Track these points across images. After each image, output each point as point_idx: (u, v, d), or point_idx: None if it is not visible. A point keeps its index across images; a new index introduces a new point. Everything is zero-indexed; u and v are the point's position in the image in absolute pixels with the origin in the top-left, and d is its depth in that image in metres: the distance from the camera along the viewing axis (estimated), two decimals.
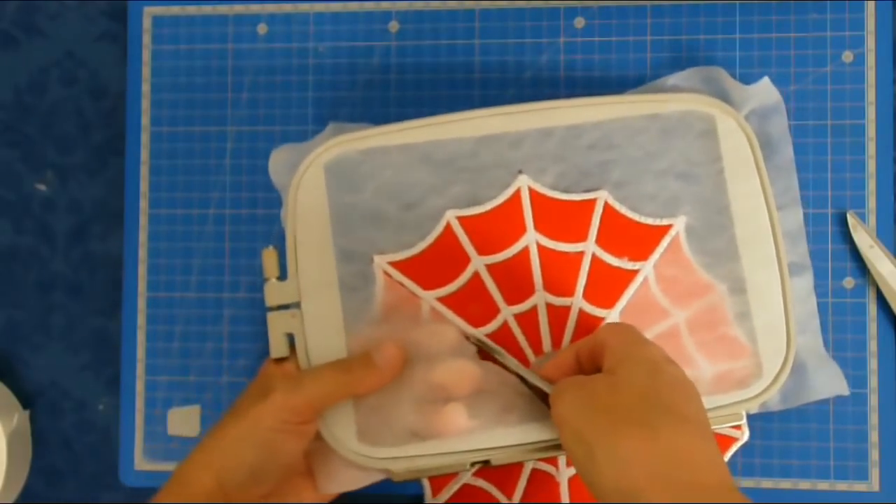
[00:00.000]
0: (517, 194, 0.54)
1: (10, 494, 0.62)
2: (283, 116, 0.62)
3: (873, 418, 0.57)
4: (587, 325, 0.54)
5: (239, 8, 0.62)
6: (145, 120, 0.62)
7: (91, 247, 0.64)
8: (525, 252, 0.54)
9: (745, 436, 0.56)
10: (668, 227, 0.54)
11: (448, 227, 0.54)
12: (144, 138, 0.62)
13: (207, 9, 0.63)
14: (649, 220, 0.54)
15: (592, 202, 0.54)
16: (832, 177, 0.58)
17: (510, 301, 0.54)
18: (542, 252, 0.54)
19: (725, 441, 0.56)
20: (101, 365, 0.63)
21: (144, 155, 0.62)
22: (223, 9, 0.62)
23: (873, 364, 0.57)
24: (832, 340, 0.58)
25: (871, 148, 0.58)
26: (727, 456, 0.56)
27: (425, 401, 0.52)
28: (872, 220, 0.58)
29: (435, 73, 0.61)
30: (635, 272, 0.54)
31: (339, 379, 0.51)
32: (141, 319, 0.62)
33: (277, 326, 0.53)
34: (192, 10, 0.63)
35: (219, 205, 0.62)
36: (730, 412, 0.53)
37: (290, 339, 0.54)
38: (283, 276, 0.54)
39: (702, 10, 0.59)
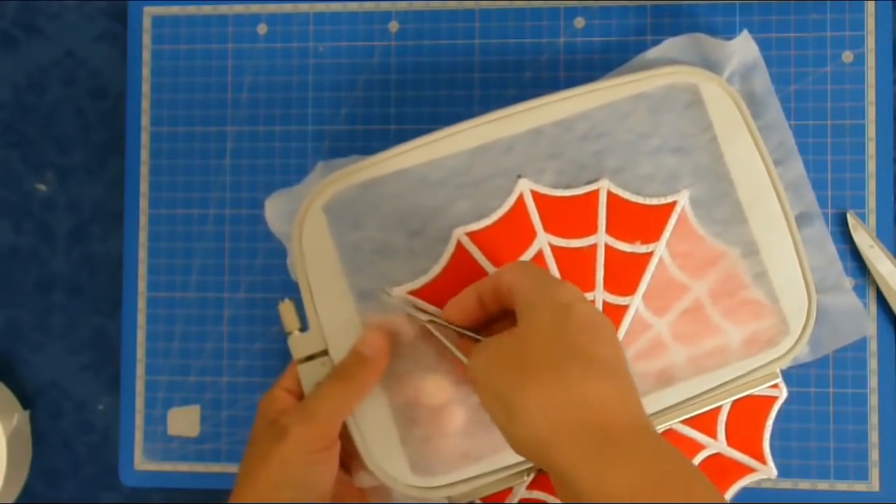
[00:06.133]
0: (520, 199, 0.54)
1: (10, 494, 0.62)
2: (283, 116, 0.62)
3: (873, 418, 0.57)
4: (613, 316, 0.54)
5: (239, 8, 0.62)
6: (145, 120, 0.62)
7: (91, 247, 0.64)
8: (539, 256, 0.54)
9: (783, 393, 0.55)
10: (673, 203, 0.54)
11: (459, 245, 0.54)
12: (144, 138, 0.62)
13: (207, 9, 0.63)
14: (654, 201, 0.54)
15: (595, 193, 0.54)
16: (832, 177, 0.58)
17: None
18: (556, 252, 0.54)
19: (767, 402, 0.55)
20: (101, 365, 0.63)
21: (144, 155, 0.62)
22: (223, 9, 0.62)
23: (873, 364, 0.57)
24: None
25: (871, 148, 0.58)
26: (771, 415, 0.55)
27: (472, 421, 0.52)
28: (872, 220, 0.58)
29: (435, 73, 0.61)
30: (650, 254, 0.54)
31: (342, 387, 0.51)
32: (141, 319, 0.62)
33: (310, 378, 0.52)
34: (192, 10, 0.63)
35: (219, 205, 0.62)
36: (765, 372, 0.53)
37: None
38: (304, 326, 0.53)
39: (702, 10, 0.59)
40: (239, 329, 0.61)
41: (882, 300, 0.57)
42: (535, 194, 0.54)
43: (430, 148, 0.54)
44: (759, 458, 0.55)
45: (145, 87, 0.63)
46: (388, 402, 0.52)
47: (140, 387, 0.62)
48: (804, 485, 0.57)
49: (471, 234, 0.54)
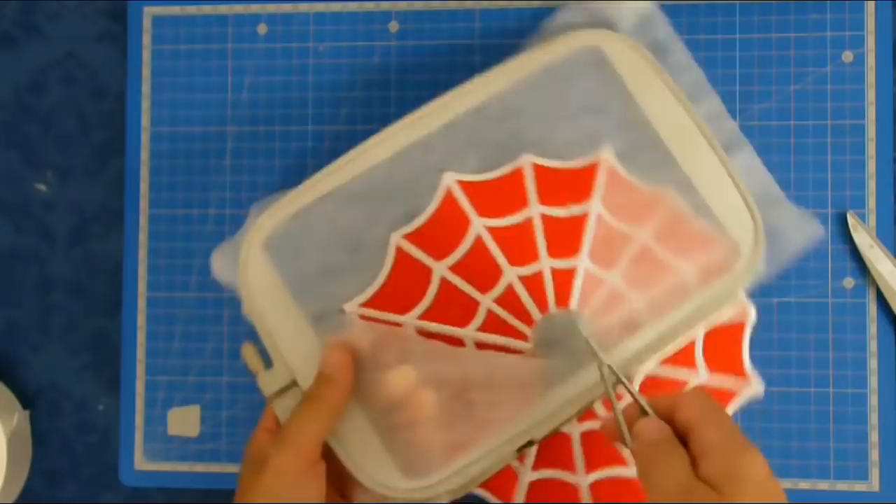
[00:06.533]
0: (448, 192, 0.55)
1: (10, 495, 0.62)
2: (283, 116, 0.62)
3: (873, 418, 0.57)
4: (563, 281, 0.54)
5: (239, 8, 0.62)
6: (145, 120, 0.62)
7: (91, 247, 0.64)
8: (479, 242, 0.54)
9: (751, 313, 0.55)
10: (597, 161, 0.55)
11: (399, 250, 0.54)
12: (144, 138, 0.62)
13: (207, 9, 0.63)
14: (578, 163, 0.55)
15: (520, 170, 0.55)
16: (832, 177, 0.58)
17: (483, 289, 0.54)
18: (493, 233, 0.54)
19: (737, 329, 0.55)
20: (101, 365, 0.63)
21: (144, 155, 0.62)
22: (223, 9, 0.62)
23: (873, 364, 0.57)
24: (832, 340, 0.58)
25: (871, 148, 0.58)
26: (745, 338, 0.55)
27: (447, 410, 0.52)
28: (872, 220, 0.58)
29: (435, 73, 0.61)
30: (585, 214, 0.54)
31: (313, 410, 0.51)
32: (141, 319, 0.62)
33: (283, 410, 0.53)
34: (192, 10, 0.63)
35: (219, 205, 0.62)
36: (727, 297, 0.53)
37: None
38: (268, 363, 0.54)
39: (702, 10, 0.59)
40: (239, 329, 0.61)
41: (882, 300, 0.57)
42: (461, 184, 0.55)
43: (351, 166, 0.55)
44: (743, 379, 0.55)
45: (145, 87, 0.63)
46: (365, 414, 0.53)
47: (140, 387, 0.62)
48: (804, 485, 0.57)
49: (408, 236, 0.54)
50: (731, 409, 0.55)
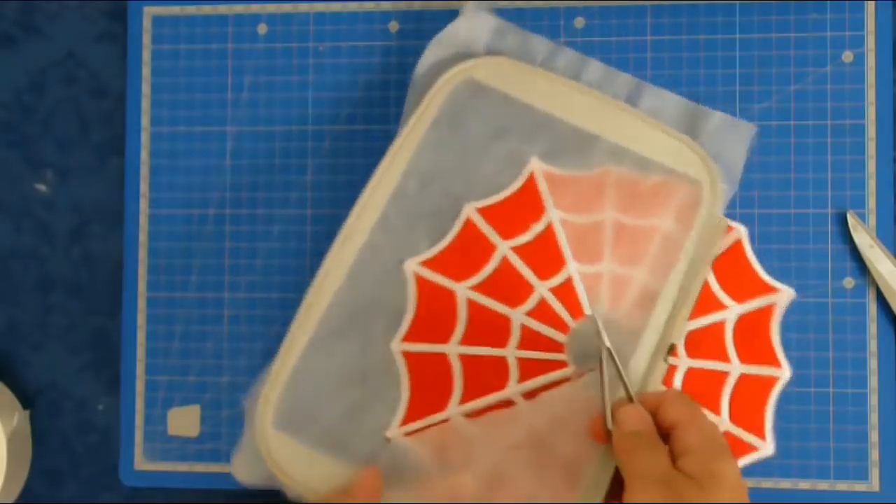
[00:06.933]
0: (417, 276, 0.55)
1: (10, 494, 0.62)
2: (283, 116, 0.62)
3: (873, 418, 0.57)
4: (567, 295, 0.54)
5: (239, 8, 0.62)
6: (145, 120, 0.62)
7: (91, 247, 0.64)
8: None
9: (741, 228, 0.57)
10: (530, 176, 0.56)
11: (406, 355, 0.54)
12: (144, 138, 0.62)
13: (207, 9, 0.63)
14: (515, 187, 0.56)
15: (465, 222, 0.55)
16: (832, 177, 0.58)
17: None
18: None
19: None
20: (101, 365, 0.63)
21: (144, 155, 0.62)
22: (223, 9, 0.62)
23: (873, 364, 0.57)
24: (832, 340, 0.58)
25: (871, 148, 0.58)
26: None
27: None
28: (872, 220, 0.58)
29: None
30: (549, 226, 0.55)
31: None
32: (141, 319, 0.62)
33: None
34: (192, 10, 0.63)
35: (219, 205, 0.62)
36: (710, 225, 0.54)
37: None
38: None
39: (702, 10, 0.59)
40: (239, 329, 0.61)
41: (882, 300, 0.57)
42: (419, 270, 0.55)
43: (313, 310, 0.55)
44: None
45: (145, 87, 0.63)
46: None
47: (140, 387, 0.62)
48: (804, 485, 0.57)
49: (406, 337, 0.54)
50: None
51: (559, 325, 0.54)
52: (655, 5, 0.60)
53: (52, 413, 0.63)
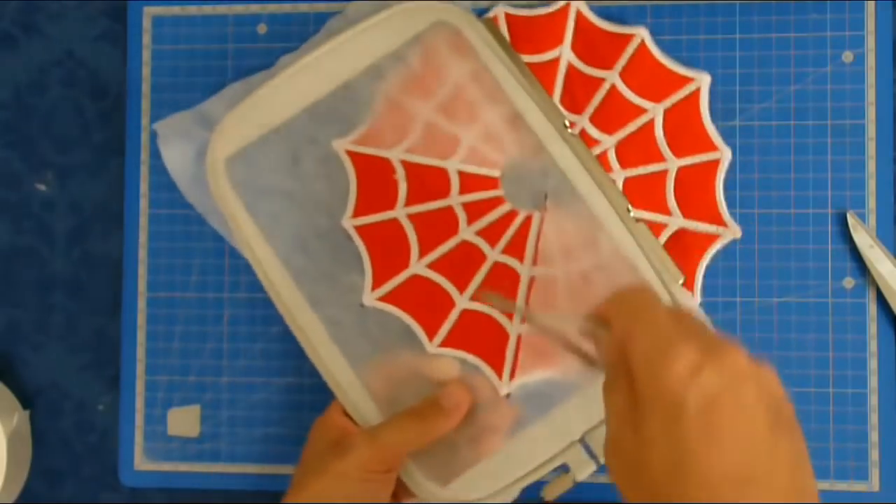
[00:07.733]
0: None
1: (10, 494, 0.62)
2: None
3: (873, 418, 0.57)
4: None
5: (239, 8, 0.62)
6: (145, 120, 0.62)
7: (91, 247, 0.64)
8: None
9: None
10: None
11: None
12: (144, 138, 0.62)
13: (207, 9, 0.63)
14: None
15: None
16: (832, 177, 0.58)
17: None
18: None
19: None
20: (101, 365, 0.63)
21: (144, 155, 0.62)
22: (223, 9, 0.62)
23: (873, 364, 0.57)
24: (832, 340, 0.58)
25: (871, 148, 0.58)
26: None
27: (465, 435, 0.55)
28: (872, 220, 0.58)
29: None
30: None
31: (414, 427, 0.53)
32: (141, 319, 0.62)
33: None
34: (192, 10, 0.63)
35: None
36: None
37: None
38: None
39: (702, 10, 0.59)
40: (239, 329, 0.61)
41: (882, 300, 0.57)
42: (351, 147, 0.57)
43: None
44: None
45: (145, 87, 0.63)
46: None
47: (140, 387, 0.62)
48: None
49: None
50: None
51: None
52: (655, 5, 0.60)
53: (52, 413, 0.63)
